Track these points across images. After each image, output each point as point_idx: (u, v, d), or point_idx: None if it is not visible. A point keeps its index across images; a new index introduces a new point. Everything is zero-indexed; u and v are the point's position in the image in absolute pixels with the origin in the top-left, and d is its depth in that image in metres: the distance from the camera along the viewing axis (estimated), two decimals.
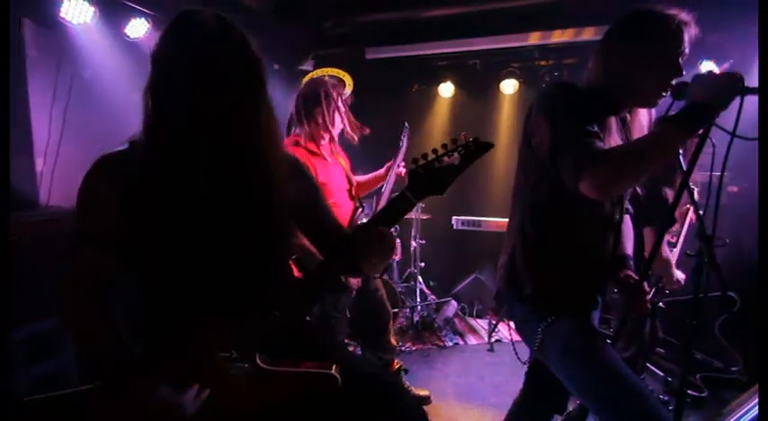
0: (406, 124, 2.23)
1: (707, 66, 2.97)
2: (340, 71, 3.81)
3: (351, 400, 0.85)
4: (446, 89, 3.83)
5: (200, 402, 0.78)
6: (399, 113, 3.78)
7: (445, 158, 0.84)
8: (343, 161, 2.00)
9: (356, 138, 1.90)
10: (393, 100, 4.02)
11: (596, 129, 0.99)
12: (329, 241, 0.98)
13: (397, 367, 2.27)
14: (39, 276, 1.77)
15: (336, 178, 1.87)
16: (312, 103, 1.77)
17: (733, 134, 0.94)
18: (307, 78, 3.85)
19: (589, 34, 3.10)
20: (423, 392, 2.32)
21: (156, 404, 0.75)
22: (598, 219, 1.14)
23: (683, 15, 1.03)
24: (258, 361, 0.81)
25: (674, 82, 1.04)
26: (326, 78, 1.92)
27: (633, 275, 1.20)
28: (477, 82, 3.85)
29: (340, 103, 1.81)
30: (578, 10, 3.01)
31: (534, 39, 3.44)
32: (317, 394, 0.83)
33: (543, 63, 3.66)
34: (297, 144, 1.78)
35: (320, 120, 1.75)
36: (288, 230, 0.94)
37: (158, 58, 0.79)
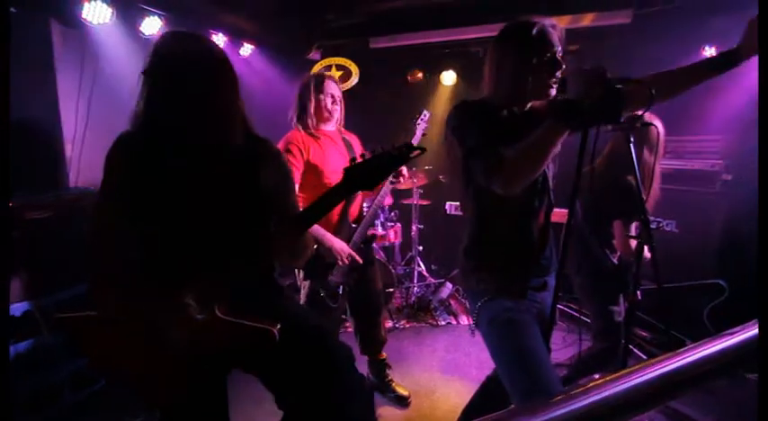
0: (426, 112, 2.24)
1: (710, 52, 2.91)
2: (346, 60, 3.93)
3: (287, 353, 1.04)
4: (448, 77, 3.89)
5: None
6: (402, 101, 3.86)
7: (379, 159, 0.96)
8: (355, 146, 2.09)
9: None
10: (396, 88, 4.10)
11: (497, 133, 1.12)
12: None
13: (381, 358, 2.30)
14: (66, 247, 2.05)
15: (334, 161, 1.97)
16: (303, 92, 1.99)
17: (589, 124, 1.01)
18: (315, 68, 4.02)
19: (588, 21, 3.09)
20: (402, 391, 2.29)
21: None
22: (520, 209, 1.25)
23: (546, 21, 1.15)
24: (216, 311, 1.01)
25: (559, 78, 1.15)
26: (320, 70, 2.03)
27: None
28: (480, 70, 3.87)
29: (331, 90, 1.97)
30: None
31: None
32: (256, 343, 1.02)
33: None
34: (299, 128, 1.97)
35: (312, 108, 1.96)
36: (257, 208, 1.12)
37: (148, 73, 1.02)
